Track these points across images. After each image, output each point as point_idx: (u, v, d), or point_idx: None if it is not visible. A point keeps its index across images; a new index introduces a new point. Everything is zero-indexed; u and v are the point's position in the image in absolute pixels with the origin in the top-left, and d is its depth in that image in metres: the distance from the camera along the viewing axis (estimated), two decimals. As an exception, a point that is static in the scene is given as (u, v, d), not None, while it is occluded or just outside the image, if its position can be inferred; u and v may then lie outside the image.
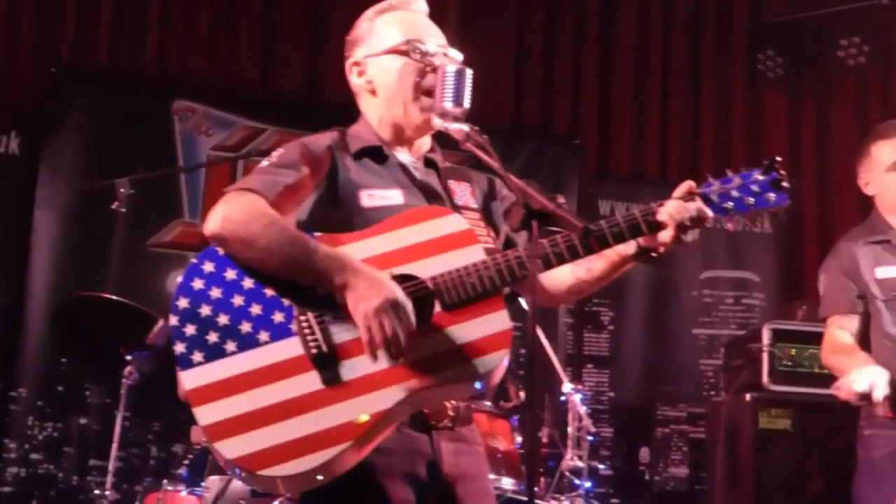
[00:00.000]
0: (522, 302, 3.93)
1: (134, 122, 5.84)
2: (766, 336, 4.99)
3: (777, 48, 6.62)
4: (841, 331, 3.58)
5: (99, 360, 4.22)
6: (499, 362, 2.14)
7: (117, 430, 3.79)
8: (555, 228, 2.16)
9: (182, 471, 3.94)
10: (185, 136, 5.99)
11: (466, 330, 2.16)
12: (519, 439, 3.94)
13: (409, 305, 2.12)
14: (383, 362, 2.14)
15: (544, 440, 4.46)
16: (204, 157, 5.93)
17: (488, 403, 3.67)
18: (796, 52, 6.60)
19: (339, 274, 2.14)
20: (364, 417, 2.09)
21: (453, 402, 2.31)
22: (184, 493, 3.81)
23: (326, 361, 2.14)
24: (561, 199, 2.09)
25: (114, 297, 3.87)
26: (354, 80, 2.49)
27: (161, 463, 5.04)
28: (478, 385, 2.17)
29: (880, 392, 3.15)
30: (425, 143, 2.49)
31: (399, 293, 2.12)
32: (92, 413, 5.20)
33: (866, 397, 3.18)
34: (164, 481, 3.91)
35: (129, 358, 3.88)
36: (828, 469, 4.70)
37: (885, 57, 6.46)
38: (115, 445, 3.77)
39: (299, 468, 2.08)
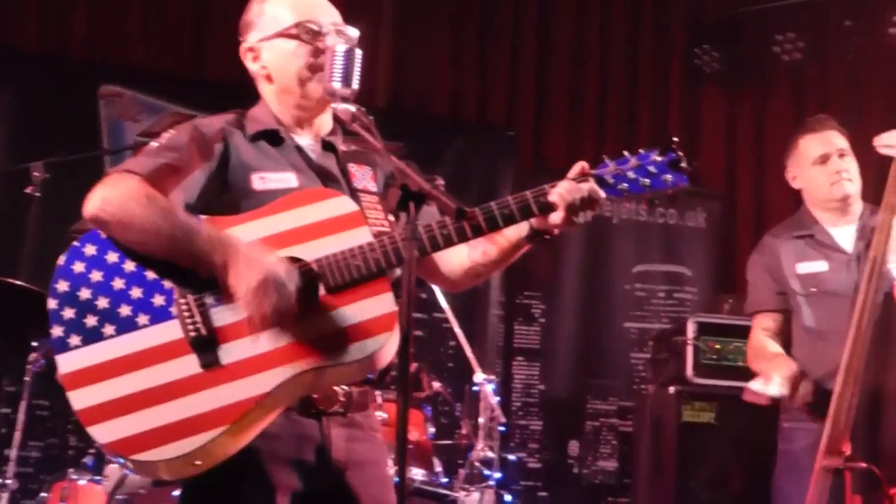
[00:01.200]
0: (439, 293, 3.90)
1: (61, 107, 5.73)
2: (690, 329, 5.01)
3: (714, 43, 6.65)
4: (763, 332, 3.60)
5: (5, 347, 4.13)
6: (382, 345, 2.11)
7: (21, 418, 3.72)
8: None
9: (88, 460, 3.87)
10: (111, 121, 5.90)
11: (350, 312, 2.13)
12: (432, 430, 3.92)
13: (291, 284, 2.08)
14: (264, 345, 2.10)
15: (463, 431, 4.45)
16: (130, 143, 5.83)
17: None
18: (733, 48, 6.63)
19: (219, 253, 2.11)
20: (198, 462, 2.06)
21: (345, 387, 2.27)
22: (85, 483, 3.75)
23: (205, 344, 2.11)
24: (439, 181, 2.06)
25: (19, 283, 3.79)
26: (250, 66, 2.45)
27: (79, 453, 4.95)
28: (368, 363, 2.14)
29: (773, 391, 3.18)
30: (325, 124, 2.45)
31: (279, 271, 2.09)
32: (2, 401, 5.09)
33: (763, 400, 3.22)
34: (70, 470, 3.84)
35: (34, 345, 3.80)
36: (750, 462, 4.72)
37: (820, 52, 6.50)
38: (17, 434, 3.69)
39: (173, 453, 2.05)
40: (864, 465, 2.88)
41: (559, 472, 6.14)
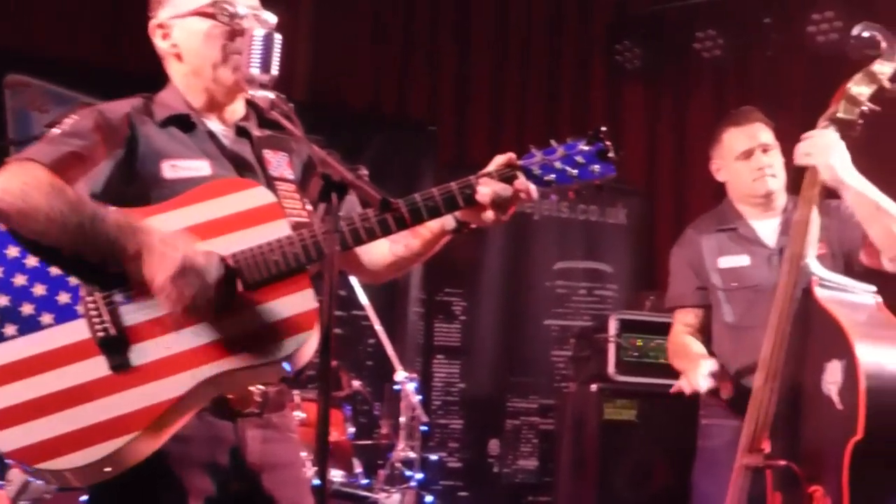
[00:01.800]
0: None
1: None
2: (612, 326, 5.04)
3: (635, 40, 6.69)
4: (684, 329, 3.61)
5: None
6: (302, 343, 2.06)
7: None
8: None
9: (-10, 465, 3.74)
10: (17, 111, 5.72)
11: (269, 310, 2.08)
12: (352, 430, 3.87)
13: (212, 272, 2.02)
14: (178, 345, 2.04)
15: (383, 430, 4.41)
16: (37, 134, 5.66)
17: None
18: (654, 44, 6.68)
19: (132, 242, 2.03)
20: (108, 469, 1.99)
21: (261, 387, 2.22)
22: (-12, 488, 3.62)
23: (115, 345, 2.04)
24: (363, 171, 2.01)
25: None
26: (159, 44, 2.36)
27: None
28: (286, 367, 2.08)
29: (703, 386, 3.21)
30: (238, 110, 2.38)
31: (199, 258, 2.02)
32: None
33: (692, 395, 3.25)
34: (-29, 475, 3.71)
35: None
36: (671, 459, 4.77)
37: (740, 50, 6.59)
38: None
39: (81, 461, 1.97)
40: (783, 462, 2.90)
41: (479, 471, 6.14)
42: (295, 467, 2.32)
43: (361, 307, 4.57)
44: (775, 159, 3.54)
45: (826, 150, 3.05)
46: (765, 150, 3.53)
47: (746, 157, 3.55)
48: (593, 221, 6.75)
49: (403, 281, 6.02)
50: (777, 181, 3.53)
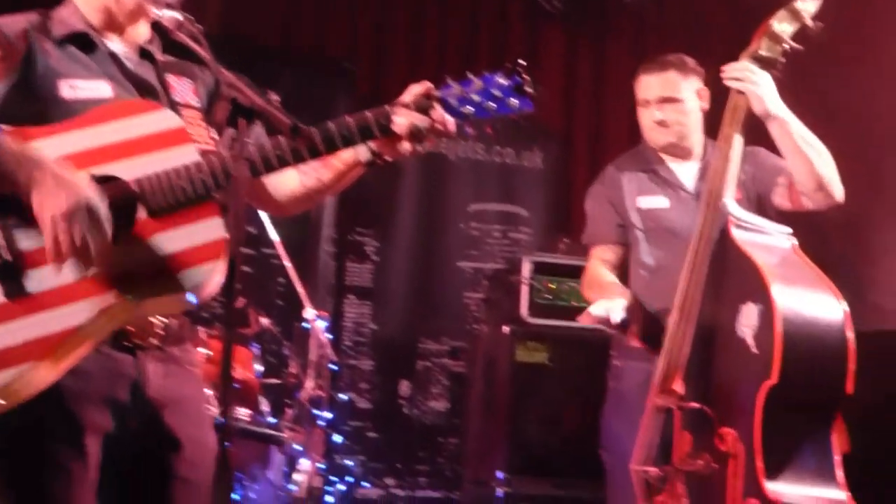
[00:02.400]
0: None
1: None
2: (525, 268, 5.03)
3: (556, -20, 6.65)
4: (601, 263, 3.59)
5: None
6: (209, 274, 1.97)
7: None
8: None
9: None
10: None
11: (174, 238, 1.99)
12: (259, 368, 3.79)
13: (103, 210, 1.92)
14: (73, 273, 1.93)
15: (292, 370, 4.34)
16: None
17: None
18: (575, -14, 6.65)
19: (22, 170, 1.92)
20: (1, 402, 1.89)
21: (163, 319, 2.13)
22: None
23: (9, 271, 1.94)
24: (273, 96, 1.93)
25: None
26: None
27: None
28: (191, 299, 2.00)
29: (616, 315, 3.17)
30: (142, 31, 2.26)
31: (93, 195, 1.92)
32: None
33: (604, 321, 3.19)
34: None
35: None
36: (583, 402, 4.79)
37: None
38: None
39: (-30, 391, 1.87)
40: (696, 404, 2.91)
41: (389, 412, 6.12)
42: (197, 403, 2.25)
43: (271, 245, 4.49)
44: (673, 113, 3.52)
45: (756, 77, 3.06)
46: (662, 101, 3.52)
47: (644, 105, 3.57)
48: (509, 164, 6.72)
49: (315, 219, 5.93)
50: (669, 134, 3.53)
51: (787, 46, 3.06)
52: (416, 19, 6.72)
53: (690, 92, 3.54)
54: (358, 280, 6.19)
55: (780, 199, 3.36)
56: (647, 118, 3.55)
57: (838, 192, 3.22)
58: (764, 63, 3.08)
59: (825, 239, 5.53)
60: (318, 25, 6.48)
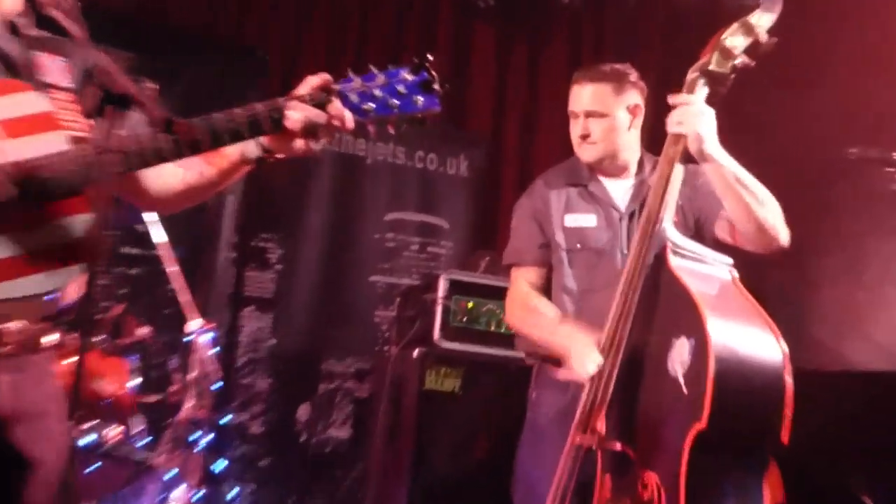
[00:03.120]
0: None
1: None
2: (442, 286, 4.96)
3: (489, -24, 6.63)
4: (528, 286, 3.57)
5: None
6: (71, 277, 1.87)
7: None
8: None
9: None
10: None
11: (34, 236, 1.87)
12: (135, 382, 3.65)
13: None
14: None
15: (175, 387, 4.20)
16: None
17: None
18: (509, -16, 6.64)
19: None
20: None
21: (17, 323, 2.00)
22: None
23: None
24: (149, 84, 1.83)
25: None
26: None
27: None
28: (51, 301, 1.90)
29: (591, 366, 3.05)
30: (9, 2, 2.15)
31: None
32: None
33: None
34: None
35: None
36: (494, 434, 4.76)
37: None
38: None
39: None
40: (618, 445, 2.86)
41: (285, 438, 5.98)
42: (51, 419, 2.13)
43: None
44: (598, 130, 3.53)
45: (697, 117, 3.03)
46: (589, 116, 3.52)
47: (573, 117, 3.58)
48: (432, 171, 6.66)
49: (215, 221, 5.79)
50: (594, 151, 3.54)
51: (738, 62, 3.03)
52: (338, 11, 6.61)
53: (622, 108, 3.54)
54: (259, 290, 6.04)
55: (722, 232, 3.36)
56: (575, 131, 3.56)
57: (783, 236, 3.20)
58: (713, 79, 3.06)
59: (763, 268, 5.59)
60: (240, 13, 6.36)
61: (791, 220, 3.25)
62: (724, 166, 3.08)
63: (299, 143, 2.12)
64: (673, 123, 3.06)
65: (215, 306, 5.66)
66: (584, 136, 3.51)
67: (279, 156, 2.18)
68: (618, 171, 3.57)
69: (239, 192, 5.88)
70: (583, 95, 3.53)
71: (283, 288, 6.11)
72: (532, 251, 3.58)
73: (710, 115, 3.05)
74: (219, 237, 5.85)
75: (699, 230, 3.40)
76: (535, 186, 3.67)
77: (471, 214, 6.72)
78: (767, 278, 5.51)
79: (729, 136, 3.12)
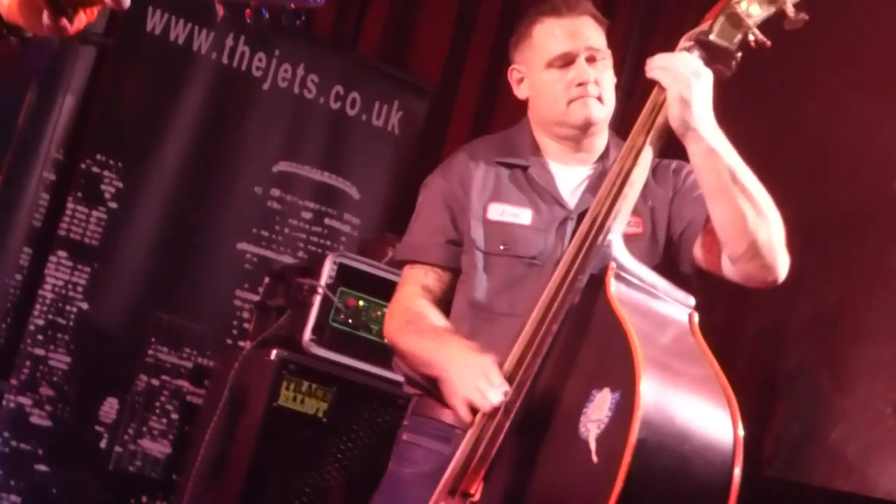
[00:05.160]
0: None
1: None
2: (326, 271, 5.00)
3: None
4: (420, 294, 3.56)
5: None
6: None
7: None
8: None
9: None
10: None
11: None
12: None
13: None
14: None
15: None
16: None
17: None
18: None
19: None
20: None
21: None
22: None
23: None
24: None
25: None
26: None
27: None
28: None
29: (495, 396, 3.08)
30: None
31: None
32: None
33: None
34: None
35: None
36: (363, 483, 4.76)
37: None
38: None
39: None
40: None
41: (78, 440, 5.94)
42: None
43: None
44: (605, 76, 3.53)
45: (686, 70, 3.08)
46: (591, 59, 3.51)
47: (564, 63, 3.52)
48: (350, 116, 6.64)
49: (34, 131, 5.72)
50: (601, 108, 3.52)
51: (750, 37, 3.08)
52: None
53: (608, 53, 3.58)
54: (79, 232, 5.97)
55: (700, 249, 3.38)
56: (567, 81, 3.50)
57: (781, 265, 3.24)
58: (713, 52, 3.11)
59: (781, 336, 5.64)
60: None
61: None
62: (717, 151, 3.12)
63: (45, 20, 2.14)
64: (655, 69, 3.12)
65: (14, 243, 5.64)
66: (588, 85, 3.47)
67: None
68: (586, 150, 3.58)
69: (79, 94, 5.86)
70: (582, 28, 3.53)
71: (114, 235, 6.05)
72: (435, 247, 3.58)
73: (707, 77, 3.10)
74: (35, 151, 5.80)
75: (675, 250, 3.43)
76: (455, 160, 3.67)
77: (392, 184, 6.73)
78: (786, 352, 5.59)
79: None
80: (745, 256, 3.21)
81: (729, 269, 3.28)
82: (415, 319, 3.51)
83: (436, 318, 3.50)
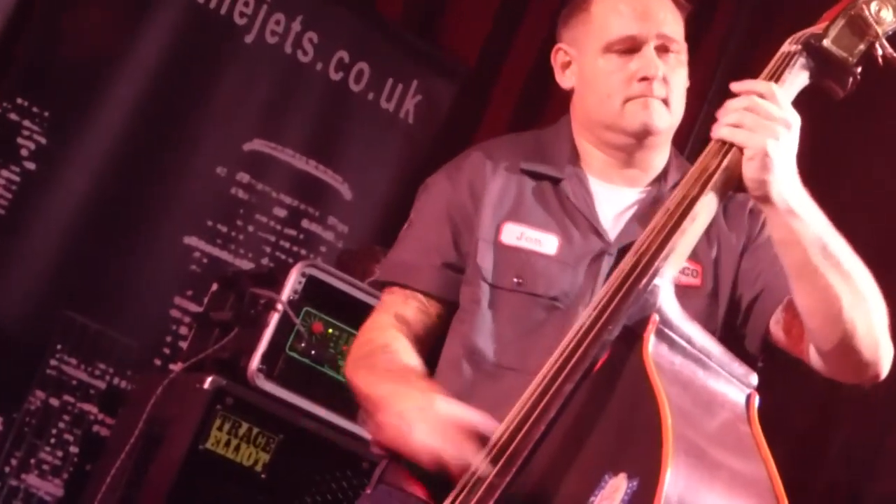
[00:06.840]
0: None
1: None
2: (291, 283, 5.03)
3: None
4: (394, 325, 3.55)
5: None
6: None
7: None
8: None
9: None
10: None
11: None
12: None
13: None
14: None
15: None
16: None
17: None
18: None
19: None
20: None
21: None
22: None
23: None
24: None
25: None
26: None
27: None
28: None
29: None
30: None
31: None
32: None
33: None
34: None
35: None
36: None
37: None
38: None
39: None
40: None
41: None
42: None
43: None
44: (676, 74, 3.53)
45: (770, 123, 3.01)
46: (664, 49, 3.51)
47: (627, 49, 3.51)
48: (354, 93, 6.72)
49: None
50: (667, 117, 3.51)
51: (878, 49, 3.08)
52: None
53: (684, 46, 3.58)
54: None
55: (781, 329, 3.36)
56: (628, 74, 3.49)
57: (885, 359, 3.22)
58: (823, 63, 3.10)
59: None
60: None
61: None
62: (806, 222, 3.09)
63: None
64: (724, 123, 3.06)
65: None
66: (655, 81, 3.45)
67: None
68: (639, 166, 3.58)
69: (6, 15, 5.89)
70: (654, 8, 3.53)
71: (25, 204, 6.15)
72: (426, 269, 3.56)
73: (795, 125, 3.05)
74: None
75: (741, 320, 3.43)
76: (467, 161, 3.64)
77: (396, 186, 6.82)
78: (879, 475, 5.61)
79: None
80: (837, 351, 3.19)
81: (817, 362, 3.26)
82: (374, 353, 3.48)
83: (405, 354, 3.46)
